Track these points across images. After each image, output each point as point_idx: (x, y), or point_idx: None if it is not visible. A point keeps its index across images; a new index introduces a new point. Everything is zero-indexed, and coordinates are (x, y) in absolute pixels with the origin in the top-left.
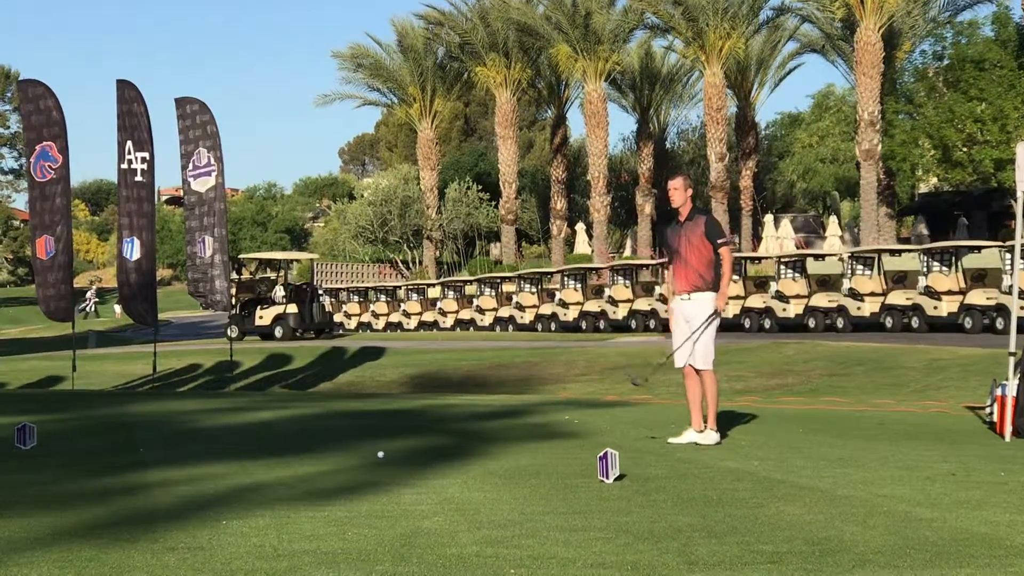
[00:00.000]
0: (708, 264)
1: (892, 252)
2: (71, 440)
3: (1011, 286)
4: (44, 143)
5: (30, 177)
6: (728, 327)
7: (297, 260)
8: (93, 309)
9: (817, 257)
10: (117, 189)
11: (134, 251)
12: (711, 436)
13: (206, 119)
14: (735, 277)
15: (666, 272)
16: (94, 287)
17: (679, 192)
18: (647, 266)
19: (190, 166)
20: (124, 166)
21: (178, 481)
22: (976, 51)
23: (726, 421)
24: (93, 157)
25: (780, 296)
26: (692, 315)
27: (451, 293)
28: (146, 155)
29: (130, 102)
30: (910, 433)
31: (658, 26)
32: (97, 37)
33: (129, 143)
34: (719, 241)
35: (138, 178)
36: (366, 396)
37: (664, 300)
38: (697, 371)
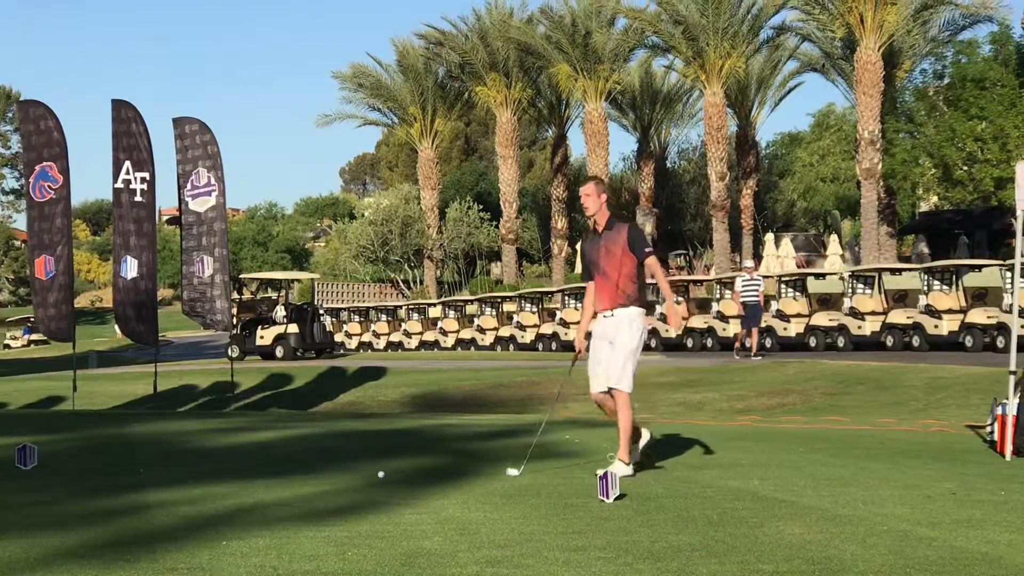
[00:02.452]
0: (629, 277)
1: (893, 271)
2: (72, 460)
3: (1011, 305)
4: (44, 163)
5: (29, 197)
6: (729, 347)
7: (298, 280)
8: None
9: (818, 276)
10: (113, 208)
11: (129, 270)
12: (620, 467)
13: (206, 139)
14: (678, 298)
15: (587, 288)
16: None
17: (592, 198)
18: (648, 286)
19: (188, 186)
20: (120, 185)
21: (178, 501)
22: (976, 70)
23: (726, 439)
24: (94, 177)
25: (781, 315)
26: (615, 333)
27: (452, 313)
28: (146, 175)
29: (127, 122)
30: (910, 452)
31: (658, 45)
32: (99, 57)
33: (128, 163)
34: (645, 251)
35: (137, 198)
36: (366, 416)
37: (665, 319)
38: (610, 392)
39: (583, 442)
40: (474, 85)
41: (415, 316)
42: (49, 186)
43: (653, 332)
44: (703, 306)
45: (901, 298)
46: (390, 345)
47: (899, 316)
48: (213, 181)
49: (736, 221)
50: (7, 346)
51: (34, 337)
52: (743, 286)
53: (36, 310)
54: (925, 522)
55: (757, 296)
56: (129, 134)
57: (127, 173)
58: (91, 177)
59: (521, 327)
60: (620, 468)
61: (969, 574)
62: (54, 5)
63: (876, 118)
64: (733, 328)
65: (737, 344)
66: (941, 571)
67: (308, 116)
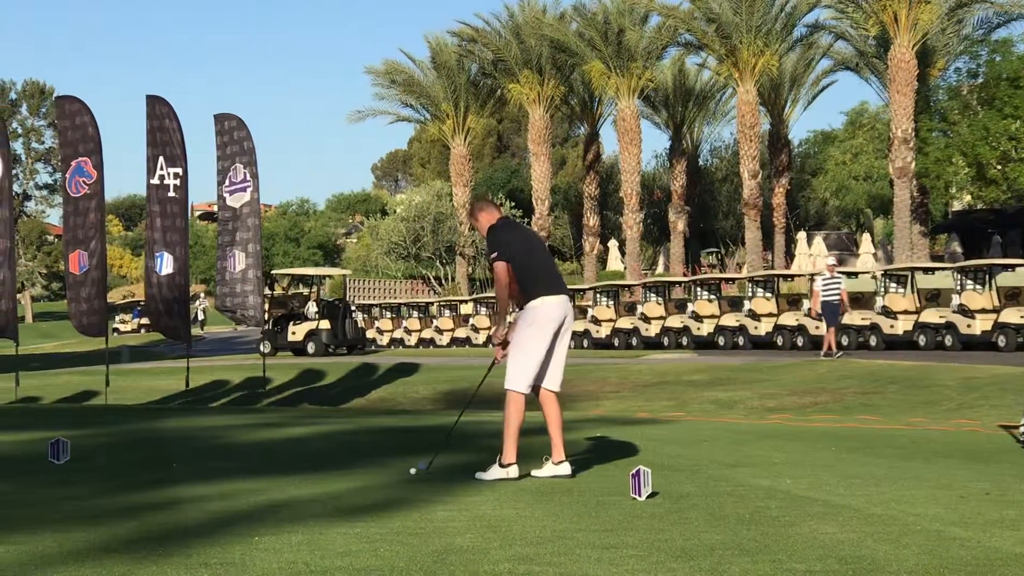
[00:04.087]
0: (515, 280)
1: (925, 270)
2: (104, 455)
3: None
4: (79, 159)
5: (64, 192)
6: (760, 345)
7: (330, 276)
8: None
9: (850, 275)
10: (147, 204)
11: (164, 266)
12: (494, 471)
13: (243, 135)
14: (510, 319)
15: None
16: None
17: (476, 221)
18: (680, 283)
19: (226, 182)
20: (155, 181)
21: (211, 497)
22: (1010, 68)
23: (758, 438)
24: (127, 172)
25: (812, 314)
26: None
27: (483, 310)
28: (179, 170)
29: (161, 118)
30: (943, 452)
31: (691, 43)
32: (132, 53)
33: (161, 158)
34: (490, 258)
35: (171, 193)
36: (398, 412)
37: (697, 317)
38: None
39: (614, 440)
40: (507, 82)
41: (447, 313)
42: (84, 181)
43: (684, 331)
44: (735, 304)
45: (934, 297)
46: (421, 342)
47: (932, 315)
48: (248, 177)
49: (768, 219)
50: (116, 330)
51: (144, 321)
52: (824, 285)
53: (69, 304)
54: (959, 522)
55: (838, 295)
56: (163, 130)
57: (160, 169)
58: (123, 172)
59: None
60: (493, 472)
61: (1003, 575)
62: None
63: (909, 117)
64: (765, 326)
65: (825, 348)
66: (975, 572)
67: (341, 112)
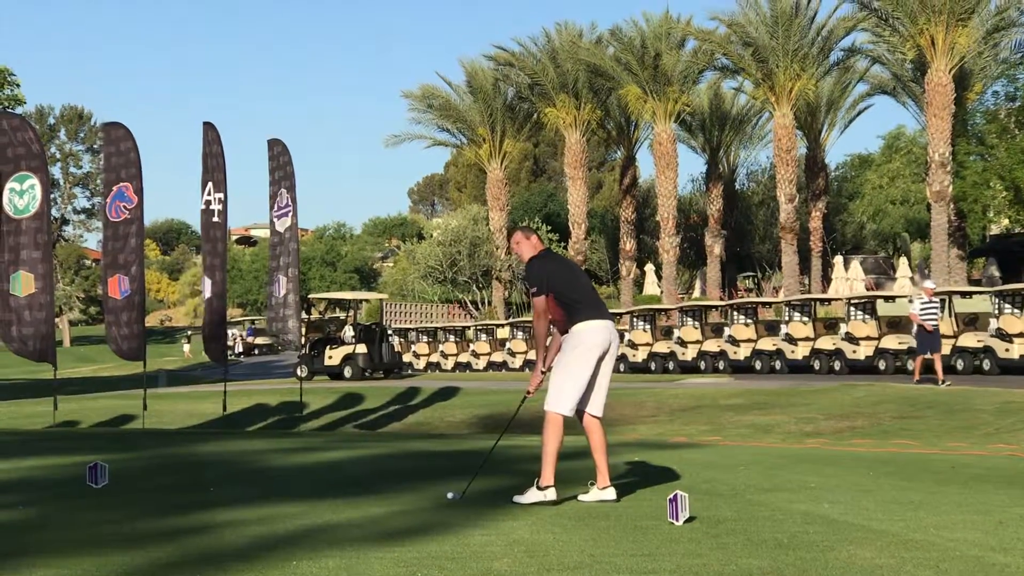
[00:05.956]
0: (556, 308)
1: (963, 294)
2: (142, 479)
3: None
4: (121, 184)
5: (104, 217)
6: (797, 369)
7: (366, 300)
8: (241, 349)
9: (887, 299)
10: (201, 230)
11: (206, 290)
12: (531, 494)
13: (286, 160)
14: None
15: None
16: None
17: (521, 245)
18: (716, 307)
19: (275, 207)
20: (204, 207)
21: (248, 521)
22: None
23: (795, 462)
24: (162, 197)
25: (850, 338)
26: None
27: (520, 334)
28: (222, 195)
29: (211, 144)
30: (982, 477)
31: (728, 67)
32: (167, 76)
33: (210, 184)
34: (530, 292)
35: (215, 219)
36: (435, 436)
37: (733, 341)
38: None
39: (651, 464)
40: (543, 106)
41: (483, 337)
42: (124, 206)
43: (720, 355)
44: (771, 328)
45: (971, 321)
46: (458, 366)
47: (969, 339)
48: (289, 201)
49: (805, 243)
50: (229, 347)
51: (258, 341)
52: (922, 308)
53: (109, 329)
54: (998, 548)
55: (937, 319)
56: (213, 155)
57: (209, 194)
58: (161, 197)
59: None
60: (530, 495)
61: None
62: (117, 26)
63: (947, 140)
64: (802, 351)
65: (916, 378)
66: None
67: (377, 136)
